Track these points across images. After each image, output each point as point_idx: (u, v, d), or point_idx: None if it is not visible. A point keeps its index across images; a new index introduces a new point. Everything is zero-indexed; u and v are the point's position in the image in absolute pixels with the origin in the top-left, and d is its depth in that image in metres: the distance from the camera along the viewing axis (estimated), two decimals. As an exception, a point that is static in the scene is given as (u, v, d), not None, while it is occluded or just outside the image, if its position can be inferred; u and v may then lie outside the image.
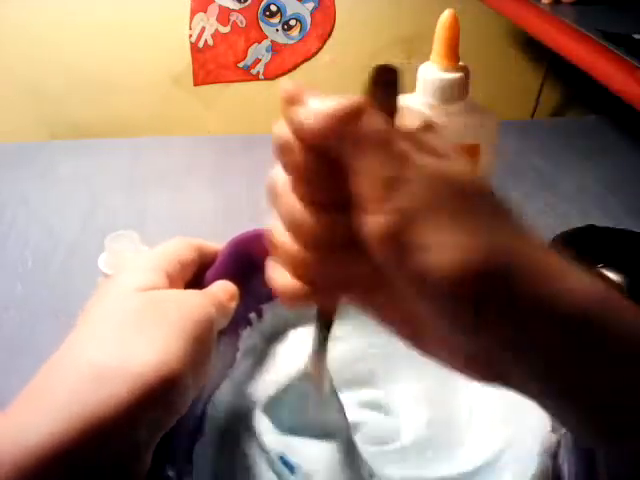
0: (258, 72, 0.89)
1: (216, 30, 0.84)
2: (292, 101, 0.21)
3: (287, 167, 0.23)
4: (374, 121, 0.20)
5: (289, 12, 0.85)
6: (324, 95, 0.21)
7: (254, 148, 0.76)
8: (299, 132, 0.21)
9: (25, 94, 0.85)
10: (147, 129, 0.88)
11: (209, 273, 0.33)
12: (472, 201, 0.20)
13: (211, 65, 0.87)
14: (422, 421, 0.35)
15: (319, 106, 0.21)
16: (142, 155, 0.76)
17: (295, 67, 0.89)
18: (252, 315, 0.38)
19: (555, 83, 0.93)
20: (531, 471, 0.31)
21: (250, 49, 0.87)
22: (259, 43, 0.86)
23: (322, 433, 0.33)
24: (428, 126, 0.23)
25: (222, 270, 0.33)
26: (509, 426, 0.34)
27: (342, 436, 0.33)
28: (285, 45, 0.87)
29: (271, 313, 0.39)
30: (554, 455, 0.31)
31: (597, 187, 0.69)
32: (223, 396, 0.34)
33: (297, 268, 0.24)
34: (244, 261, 0.36)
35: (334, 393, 0.32)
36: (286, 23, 0.85)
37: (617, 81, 0.47)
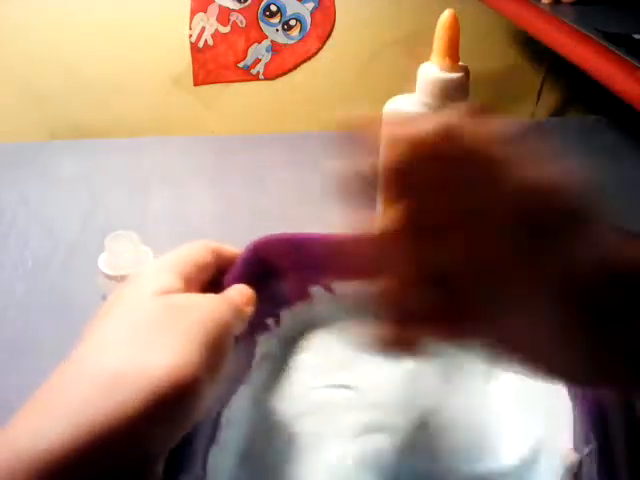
0: (258, 72, 0.89)
1: (216, 30, 0.84)
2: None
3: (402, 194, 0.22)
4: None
5: (289, 12, 0.85)
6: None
7: (254, 148, 0.76)
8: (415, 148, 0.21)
9: (25, 94, 0.85)
10: (147, 129, 0.88)
11: (227, 277, 0.33)
12: (577, 211, 0.21)
13: (211, 65, 0.87)
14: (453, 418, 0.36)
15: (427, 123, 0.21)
16: (142, 155, 0.76)
17: (295, 67, 0.89)
18: (269, 321, 0.38)
19: (555, 83, 0.93)
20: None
21: (250, 49, 0.87)
22: (259, 43, 0.86)
23: None
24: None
25: (240, 274, 0.33)
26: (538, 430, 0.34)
27: None
28: (285, 45, 0.87)
29: (289, 318, 0.39)
30: (576, 475, 0.31)
31: (597, 187, 0.69)
32: (240, 403, 0.34)
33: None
34: (262, 266, 0.36)
35: None
36: (286, 23, 0.85)
37: (617, 81, 0.47)
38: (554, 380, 0.23)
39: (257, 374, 0.36)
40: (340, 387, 0.37)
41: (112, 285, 0.44)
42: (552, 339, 0.21)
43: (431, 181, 0.21)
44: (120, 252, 0.44)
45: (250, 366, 0.36)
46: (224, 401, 0.32)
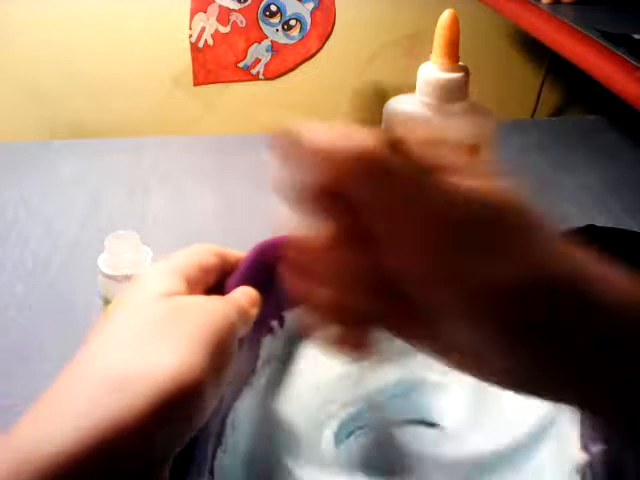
0: (258, 72, 0.89)
1: (216, 30, 0.84)
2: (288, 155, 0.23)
3: (324, 214, 0.23)
4: (382, 158, 0.20)
5: (289, 12, 0.85)
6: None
7: (254, 148, 0.76)
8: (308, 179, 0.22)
9: (25, 94, 0.85)
10: (147, 129, 0.88)
11: (231, 280, 0.33)
12: (504, 223, 0.20)
13: (211, 65, 0.87)
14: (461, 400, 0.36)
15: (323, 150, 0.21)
16: (142, 155, 0.76)
17: (295, 67, 0.89)
18: (274, 323, 0.38)
19: (555, 83, 0.93)
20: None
21: (250, 49, 0.87)
22: (259, 43, 0.86)
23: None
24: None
25: (244, 277, 0.33)
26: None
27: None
28: (285, 45, 0.87)
29: (293, 319, 0.39)
30: (583, 474, 0.31)
31: (597, 187, 0.69)
32: (246, 406, 0.34)
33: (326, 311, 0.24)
34: (266, 268, 0.36)
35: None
36: (286, 23, 0.85)
37: (617, 81, 0.47)
38: (503, 388, 0.23)
39: (261, 377, 0.36)
40: (344, 387, 0.37)
41: (112, 285, 0.44)
42: (488, 348, 0.21)
43: (359, 196, 0.21)
44: (120, 252, 0.44)
45: (255, 369, 0.36)
46: (230, 405, 0.32)
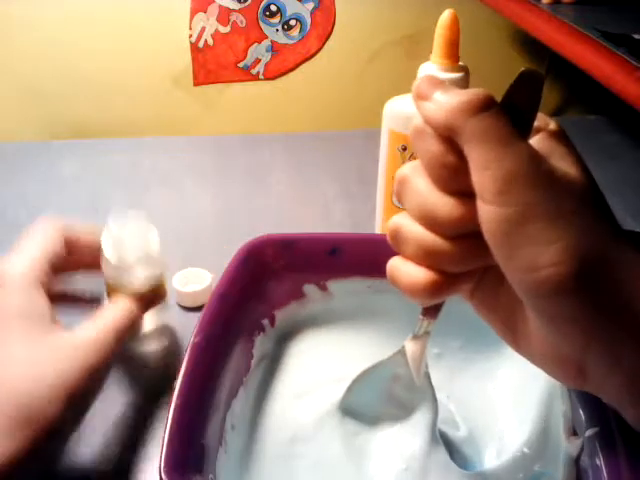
0: (258, 72, 0.89)
1: (216, 30, 0.84)
2: (422, 95, 0.23)
3: (422, 154, 0.23)
4: (496, 114, 0.21)
5: (289, 12, 0.85)
6: (452, 88, 0.22)
7: (254, 148, 0.76)
8: (428, 122, 0.23)
9: (25, 94, 0.85)
10: (147, 129, 0.88)
11: (221, 279, 0.33)
12: (577, 202, 0.21)
13: (211, 65, 0.87)
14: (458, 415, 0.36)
15: (445, 98, 0.22)
16: (142, 155, 0.76)
17: (295, 67, 0.89)
18: (265, 321, 0.38)
19: (555, 83, 0.93)
20: (557, 475, 0.31)
21: (250, 49, 0.87)
22: (259, 43, 0.86)
23: (403, 415, 0.33)
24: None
25: (234, 275, 0.33)
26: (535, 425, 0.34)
27: (427, 421, 0.33)
28: (285, 45, 0.87)
29: (284, 317, 0.39)
30: (577, 459, 0.31)
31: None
32: (242, 406, 0.34)
33: (432, 257, 0.23)
34: (256, 266, 0.36)
35: (428, 377, 0.33)
36: (286, 23, 0.85)
37: (617, 81, 0.47)
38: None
39: (255, 375, 0.36)
40: (335, 382, 0.37)
41: (118, 272, 0.41)
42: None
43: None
44: (126, 238, 0.40)
45: (249, 368, 0.36)
46: (227, 405, 0.33)
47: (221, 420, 0.32)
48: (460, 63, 0.45)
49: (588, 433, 0.30)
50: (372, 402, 0.34)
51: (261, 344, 0.37)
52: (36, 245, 0.33)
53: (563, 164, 0.22)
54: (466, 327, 0.37)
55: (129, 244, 0.40)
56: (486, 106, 0.21)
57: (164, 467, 0.25)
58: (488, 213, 0.21)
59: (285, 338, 0.40)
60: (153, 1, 0.81)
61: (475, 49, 0.79)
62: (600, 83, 0.49)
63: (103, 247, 0.40)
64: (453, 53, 0.44)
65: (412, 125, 0.24)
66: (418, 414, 0.33)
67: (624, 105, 0.47)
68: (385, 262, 0.40)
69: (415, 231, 0.24)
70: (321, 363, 0.39)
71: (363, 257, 0.39)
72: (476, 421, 0.36)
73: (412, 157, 0.47)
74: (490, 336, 0.39)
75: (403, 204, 0.25)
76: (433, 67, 0.45)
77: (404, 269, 0.24)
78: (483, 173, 0.20)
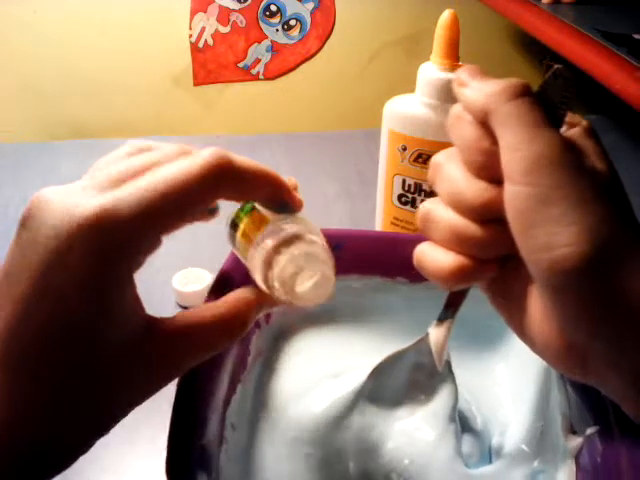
0: (258, 72, 0.89)
1: (216, 30, 0.84)
2: (462, 82, 0.24)
3: (458, 140, 0.24)
4: (530, 101, 0.22)
5: (289, 12, 0.85)
6: (491, 77, 0.24)
7: (254, 148, 0.76)
8: (466, 106, 0.24)
9: (25, 94, 0.85)
10: (147, 129, 0.88)
11: (217, 276, 0.33)
12: (599, 192, 0.21)
13: (211, 65, 0.87)
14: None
15: (483, 85, 0.23)
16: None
17: (295, 67, 0.89)
18: (261, 318, 0.38)
19: (555, 83, 0.93)
20: (557, 473, 0.31)
21: (250, 49, 0.87)
22: (259, 43, 0.86)
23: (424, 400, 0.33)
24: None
25: (229, 273, 0.33)
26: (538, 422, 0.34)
27: (446, 409, 0.33)
28: (285, 45, 0.87)
29: (279, 314, 0.39)
30: (576, 458, 0.31)
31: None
32: (240, 403, 0.34)
33: (462, 242, 0.24)
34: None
35: (449, 365, 0.33)
36: (286, 23, 0.86)
37: (617, 81, 0.47)
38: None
39: (252, 373, 0.36)
40: (331, 377, 0.37)
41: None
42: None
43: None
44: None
45: (246, 365, 0.36)
46: (226, 403, 0.33)
47: (221, 419, 0.32)
48: (460, 63, 0.45)
49: (588, 432, 0.30)
50: (393, 388, 0.34)
51: (257, 341, 0.37)
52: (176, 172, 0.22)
53: (591, 156, 0.23)
54: (463, 328, 0.37)
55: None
56: (522, 93, 0.22)
57: (167, 469, 0.26)
58: (513, 192, 0.21)
59: (281, 335, 0.40)
60: (153, 1, 0.81)
61: (475, 49, 0.80)
62: (600, 83, 0.49)
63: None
64: (453, 53, 0.44)
65: (450, 113, 0.25)
66: (438, 400, 0.34)
67: (624, 105, 0.47)
68: (382, 261, 0.40)
69: (445, 215, 0.24)
70: (318, 361, 0.39)
71: (361, 256, 0.39)
72: (476, 419, 0.36)
73: (412, 158, 0.47)
74: (487, 337, 0.39)
75: (436, 189, 0.25)
76: (433, 67, 0.45)
77: (432, 254, 0.25)
78: (513, 154, 0.21)
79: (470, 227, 0.24)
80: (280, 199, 0.27)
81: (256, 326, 0.38)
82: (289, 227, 0.25)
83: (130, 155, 0.25)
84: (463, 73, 0.24)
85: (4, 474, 0.21)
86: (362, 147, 0.77)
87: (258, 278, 0.25)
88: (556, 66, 0.23)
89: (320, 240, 0.25)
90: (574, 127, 0.25)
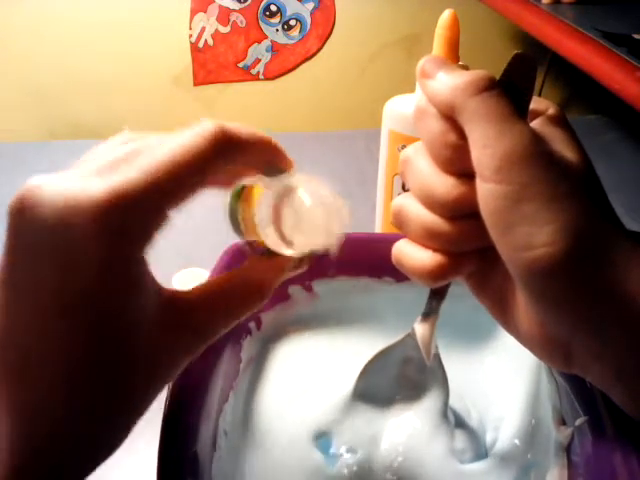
0: (258, 72, 0.89)
1: (216, 30, 0.84)
2: (426, 74, 0.23)
3: (424, 134, 0.24)
4: (498, 95, 0.21)
5: (289, 12, 0.85)
6: (456, 68, 0.23)
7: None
8: (432, 100, 0.23)
9: (25, 94, 0.85)
10: (147, 129, 0.87)
11: (207, 281, 0.33)
12: (573, 185, 0.21)
13: (211, 65, 0.87)
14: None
15: (449, 77, 0.22)
16: (142, 155, 0.76)
17: (295, 67, 0.89)
18: (251, 324, 0.38)
19: (555, 83, 0.93)
20: (548, 465, 0.31)
21: (250, 49, 0.87)
22: (259, 43, 0.86)
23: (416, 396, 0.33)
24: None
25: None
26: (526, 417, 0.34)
27: (438, 404, 0.33)
28: (285, 45, 0.87)
29: (270, 319, 0.39)
30: (568, 449, 0.31)
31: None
32: (232, 410, 0.34)
33: (434, 238, 0.23)
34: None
35: (438, 358, 0.33)
36: (286, 23, 0.86)
37: (617, 81, 0.47)
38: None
39: (244, 379, 0.36)
40: (323, 381, 0.37)
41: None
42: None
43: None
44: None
45: (238, 372, 0.36)
46: (219, 410, 0.32)
47: (214, 426, 0.32)
48: (460, 63, 0.45)
49: (577, 422, 0.30)
50: (385, 385, 0.34)
51: (248, 347, 0.37)
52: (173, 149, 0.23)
53: (562, 148, 0.22)
54: (451, 324, 0.37)
55: None
56: (489, 86, 0.22)
57: (159, 477, 0.25)
58: (486, 190, 0.21)
59: (271, 341, 0.40)
60: (153, 1, 0.81)
61: (475, 49, 0.80)
62: (600, 83, 0.49)
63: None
64: (453, 53, 0.44)
65: (415, 105, 0.24)
66: (430, 396, 0.34)
67: (624, 105, 0.47)
68: (370, 262, 0.40)
69: (416, 211, 0.24)
70: (309, 365, 0.39)
71: (348, 257, 0.39)
72: (470, 415, 0.36)
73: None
74: (476, 331, 0.39)
75: (406, 184, 0.25)
76: (433, 67, 0.45)
77: (409, 252, 0.24)
78: (483, 151, 0.21)
79: (442, 224, 0.23)
80: (274, 161, 0.27)
81: (247, 332, 0.38)
82: (287, 181, 0.25)
83: (122, 144, 0.25)
84: (427, 63, 0.23)
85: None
86: (362, 147, 0.77)
87: (273, 241, 0.24)
88: (516, 52, 0.23)
89: (321, 188, 0.25)
90: (542, 114, 0.24)
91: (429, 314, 0.29)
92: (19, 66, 0.83)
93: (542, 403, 0.34)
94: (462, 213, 0.23)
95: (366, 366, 0.34)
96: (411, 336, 0.31)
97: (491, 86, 0.22)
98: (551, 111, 0.24)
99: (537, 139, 0.21)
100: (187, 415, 0.28)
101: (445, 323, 0.30)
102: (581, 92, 0.94)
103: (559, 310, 0.21)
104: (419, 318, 0.30)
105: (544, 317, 0.22)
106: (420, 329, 0.30)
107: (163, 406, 0.28)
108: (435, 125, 0.23)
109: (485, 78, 0.22)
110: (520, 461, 0.32)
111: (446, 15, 0.43)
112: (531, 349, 0.24)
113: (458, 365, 0.38)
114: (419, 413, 0.34)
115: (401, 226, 0.25)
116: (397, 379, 0.34)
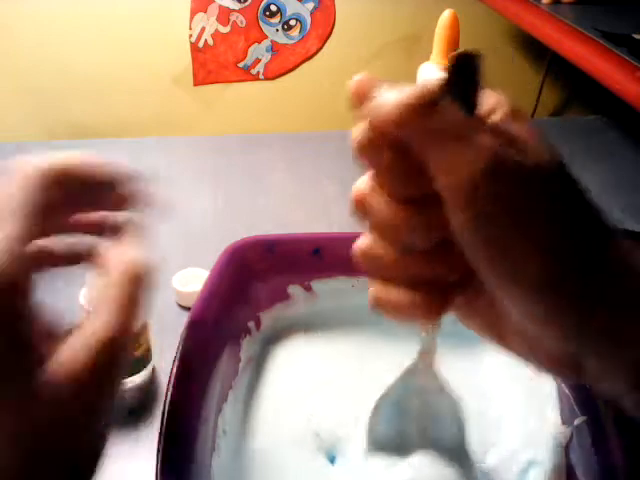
0: (258, 72, 0.89)
1: (216, 30, 0.84)
2: (361, 95, 0.20)
3: (371, 165, 0.21)
4: (450, 111, 0.19)
5: (289, 12, 0.85)
6: (393, 85, 0.20)
7: (254, 148, 0.76)
8: (374, 127, 0.20)
9: (25, 94, 0.85)
10: (147, 129, 0.88)
11: (205, 282, 0.33)
12: (543, 187, 0.19)
13: (211, 65, 0.87)
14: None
15: (390, 98, 0.19)
16: (142, 155, 0.76)
17: (295, 67, 0.89)
18: (250, 324, 0.38)
19: (555, 83, 0.93)
20: (548, 464, 0.31)
21: (250, 49, 0.87)
22: (259, 43, 0.86)
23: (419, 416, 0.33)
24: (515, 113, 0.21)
25: (219, 279, 0.33)
26: (527, 422, 0.34)
27: (449, 418, 0.32)
28: (285, 45, 0.87)
29: (269, 319, 0.39)
30: (566, 447, 0.31)
31: (596, 187, 0.69)
32: (231, 410, 0.34)
33: (393, 275, 0.22)
34: (241, 269, 0.36)
35: (439, 375, 0.32)
36: (286, 23, 0.86)
37: (617, 81, 0.47)
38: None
39: (243, 379, 0.36)
40: (322, 384, 0.37)
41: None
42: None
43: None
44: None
45: (237, 371, 0.36)
46: (218, 410, 0.32)
47: (213, 426, 0.32)
48: (460, 63, 0.45)
49: (576, 422, 0.30)
50: (397, 429, 0.33)
51: (247, 347, 0.37)
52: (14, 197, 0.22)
53: (523, 144, 0.20)
54: (451, 325, 0.37)
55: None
56: (436, 98, 0.19)
57: (159, 476, 0.25)
58: (464, 222, 0.19)
59: (271, 341, 0.40)
60: (153, 1, 0.81)
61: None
62: (600, 83, 0.49)
63: (81, 299, 0.38)
64: (453, 53, 0.44)
65: (353, 134, 0.21)
66: (443, 432, 0.33)
67: (624, 105, 0.47)
68: None
69: (376, 249, 0.23)
70: (308, 366, 0.39)
71: (346, 256, 0.39)
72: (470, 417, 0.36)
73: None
74: (471, 337, 0.39)
75: (364, 221, 0.23)
76: (433, 67, 0.45)
77: (392, 299, 0.23)
78: (447, 179, 0.19)
79: (400, 260, 0.22)
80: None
81: (247, 332, 0.38)
82: None
83: None
84: (360, 83, 0.20)
85: None
86: (362, 147, 0.76)
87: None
88: (457, 50, 0.20)
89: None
90: (496, 111, 0.21)
91: (426, 345, 0.29)
92: (19, 66, 0.83)
93: (541, 403, 0.34)
94: (424, 243, 0.22)
95: (372, 416, 0.33)
96: (409, 371, 0.30)
97: (438, 97, 0.19)
98: (505, 109, 0.21)
99: (501, 150, 0.19)
100: (186, 415, 0.28)
101: (445, 323, 0.30)
102: (581, 92, 0.94)
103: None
104: (419, 349, 0.29)
105: (537, 334, 0.21)
106: (422, 344, 0.30)
107: (162, 406, 0.28)
108: (385, 156, 0.20)
109: (431, 91, 0.19)
110: (520, 461, 0.32)
111: (446, 15, 0.43)
112: (538, 367, 0.24)
113: (458, 365, 0.38)
114: (433, 457, 0.33)
115: (366, 264, 0.24)
116: (409, 416, 0.33)
